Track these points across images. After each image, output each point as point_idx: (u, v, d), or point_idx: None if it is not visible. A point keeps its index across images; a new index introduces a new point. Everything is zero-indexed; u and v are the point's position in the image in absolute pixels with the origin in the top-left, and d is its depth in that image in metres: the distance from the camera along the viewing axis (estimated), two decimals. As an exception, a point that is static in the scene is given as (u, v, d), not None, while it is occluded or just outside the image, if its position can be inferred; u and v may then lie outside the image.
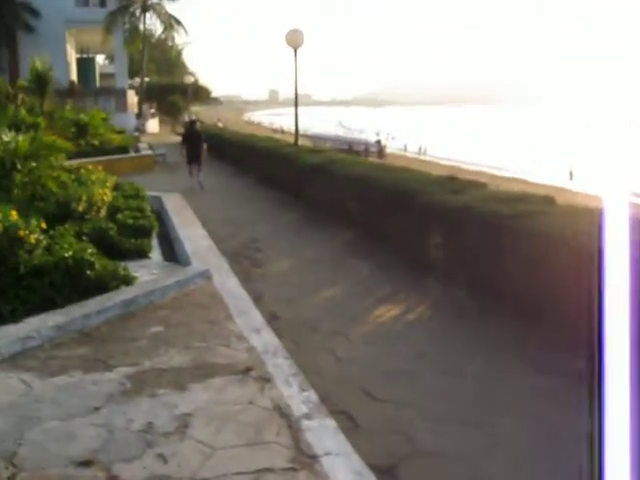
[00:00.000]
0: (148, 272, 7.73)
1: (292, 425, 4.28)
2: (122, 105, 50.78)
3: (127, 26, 52.00)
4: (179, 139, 30.89)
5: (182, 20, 54.94)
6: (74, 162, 15.40)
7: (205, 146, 21.32)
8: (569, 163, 44.67)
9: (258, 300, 7.71)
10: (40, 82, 28.96)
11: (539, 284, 7.07)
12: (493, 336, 7.27)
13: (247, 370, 5.07)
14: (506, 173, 41.78)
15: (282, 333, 6.61)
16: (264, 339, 5.74)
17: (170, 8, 54.05)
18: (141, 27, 53.47)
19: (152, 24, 56.41)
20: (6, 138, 10.63)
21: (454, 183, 10.76)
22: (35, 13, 47.41)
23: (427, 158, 53.21)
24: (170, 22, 54.15)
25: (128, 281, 6.99)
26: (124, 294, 6.61)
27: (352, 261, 10.76)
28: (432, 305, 8.42)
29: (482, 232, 8.40)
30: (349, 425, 5.05)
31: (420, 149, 59.32)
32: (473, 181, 11.18)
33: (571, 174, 41.69)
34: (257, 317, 6.33)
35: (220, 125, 58.88)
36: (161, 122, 65.25)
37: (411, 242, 10.41)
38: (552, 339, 6.69)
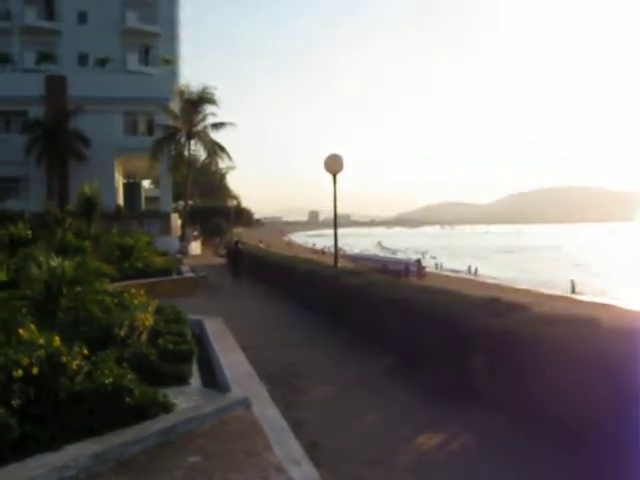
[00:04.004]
0: (187, 399, 7.66)
1: None
2: (166, 228, 52.11)
3: (172, 153, 53.91)
4: (221, 261, 31.77)
5: (226, 145, 56.80)
6: (118, 285, 15.67)
7: (246, 261, 28.68)
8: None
9: (298, 428, 7.56)
10: (88, 207, 30.02)
11: (588, 409, 6.87)
12: (542, 466, 7.01)
13: (286, 504, 4.92)
14: (551, 291, 41.43)
15: (322, 463, 6.45)
16: (303, 471, 5.59)
17: (215, 135, 55.96)
18: (186, 153, 55.32)
19: (197, 150, 58.49)
20: (53, 263, 10.90)
21: (496, 305, 10.64)
22: (86, 142, 49.60)
23: (472, 277, 53.04)
24: (214, 148, 55.93)
25: (167, 408, 6.92)
26: (163, 422, 6.54)
27: (392, 386, 10.59)
28: (476, 433, 8.18)
29: (525, 357, 8.24)
30: None
31: (469, 269, 59.09)
32: (515, 303, 11.05)
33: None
34: (296, 447, 6.19)
35: (262, 246, 59.81)
36: (203, 244, 66.53)
37: (453, 366, 10.22)
38: (604, 467, 6.43)
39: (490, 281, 47.40)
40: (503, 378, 8.80)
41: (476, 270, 58.25)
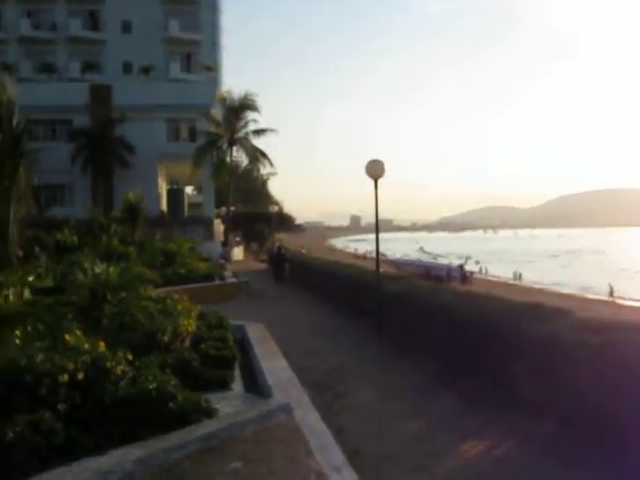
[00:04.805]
0: (229, 404, 7.70)
1: None
2: (209, 234, 52.56)
3: (215, 159, 54.28)
4: (263, 266, 32.14)
5: (267, 151, 57.04)
6: (161, 290, 15.82)
7: (288, 265, 31.13)
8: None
9: (339, 434, 7.55)
10: (132, 213, 30.38)
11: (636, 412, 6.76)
12: (589, 475, 6.88)
13: (327, 511, 4.91)
14: (596, 295, 40.85)
15: (363, 469, 6.42)
16: (345, 478, 5.58)
17: (256, 141, 56.23)
18: (228, 160, 55.65)
19: (238, 156, 58.82)
20: (98, 270, 11.04)
21: (539, 311, 10.50)
22: (130, 149, 50.33)
23: (516, 282, 52.44)
24: (256, 155, 56.19)
25: (209, 413, 6.97)
26: (205, 427, 6.58)
27: (435, 392, 10.51)
28: (520, 440, 8.07)
29: (569, 363, 8.12)
30: None
31: (515, 274, 58.36)
32: (558, 308, 10.88)
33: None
34: (338, 453, 6.18)
35: (304, 251, 59.88)
36: (245, 250, 66.91)
37: (496, 372, 10.12)
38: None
39: (534, 286, 46.88)
40: (547, 384, 8.68)
41: (520, 275, 57.52)
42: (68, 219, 32.14)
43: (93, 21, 64.67)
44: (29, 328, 8.59)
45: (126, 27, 63.77)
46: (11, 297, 9.13)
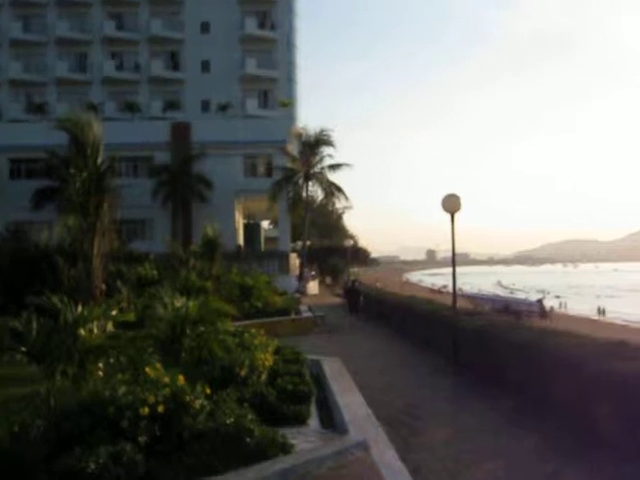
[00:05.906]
0: (305, 439, 7.72)
1: None
2: (284, 267, 52.94)
3: (290, 194, 54.89)
4: (338, 300, 32.01)
5: (342, 185, 57.27)
6: (239, 324, 16.01)
7: (362, 297, 32.40)
8: None
9: (416, 472, 7.45)
10: (210, 248, 30.87)
11: None
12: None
13: None
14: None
15: (441, 510, 6.31)
16: (422, 517, 5.50)
17: (331, 175, 56.60)
18: (304, 194, 56.15)
19: (314, 191, 59.32)
20: (177, 304, 11.27)
21: (624, 348, 10.17)
22: (208, 184, 51.36)
23: (599, 318, 50.79)
24: (331, 189, 56.53)
25: (286, 449, 6.99)
26: (282, 463, 6.61)
27: (514, 431, 10.25)
28: (605, 483, 7.79)
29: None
30: None
31: (599, 309, 56.59)
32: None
33: None
34: (415, 492, 6.10)
35: (379, 285, 59.61)
36: (321, 284, 67.09)
37: (578, 412, 9.83)
38: None
39: (617, 322, 45.39)
40: (633, 424, 8.37)
41: (604, 310, 55.69)
42: (148, 253, 32.80)
43: (173, 61, 66.98)
44: (112, 360, 8.83)
45: (205, 66, 65.77)
46: (95, 330, 9.39)
